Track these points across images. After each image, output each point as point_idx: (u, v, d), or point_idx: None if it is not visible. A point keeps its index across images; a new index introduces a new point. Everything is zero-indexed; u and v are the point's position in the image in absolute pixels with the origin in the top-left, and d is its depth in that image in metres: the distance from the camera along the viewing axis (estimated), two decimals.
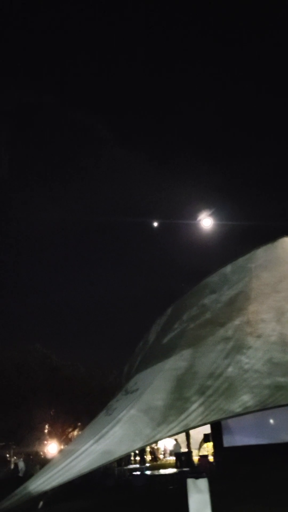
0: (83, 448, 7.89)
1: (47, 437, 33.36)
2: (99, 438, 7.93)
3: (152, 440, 7.49)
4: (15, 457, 29.09)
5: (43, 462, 22.77)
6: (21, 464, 20.04)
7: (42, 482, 7.32)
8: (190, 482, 6.59)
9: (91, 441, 7.99)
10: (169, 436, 7.99)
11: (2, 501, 6.82)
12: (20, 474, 18.35)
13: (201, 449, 22.37)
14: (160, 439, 7.52)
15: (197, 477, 6.75)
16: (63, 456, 8.30)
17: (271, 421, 17.79)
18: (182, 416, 7.54)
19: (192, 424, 7.28)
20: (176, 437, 19.66)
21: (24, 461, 21.69)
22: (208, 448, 21.72)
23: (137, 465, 19.42)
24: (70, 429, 33.57)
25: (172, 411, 7.74)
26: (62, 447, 30.92)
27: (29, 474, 17.09)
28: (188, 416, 7.49)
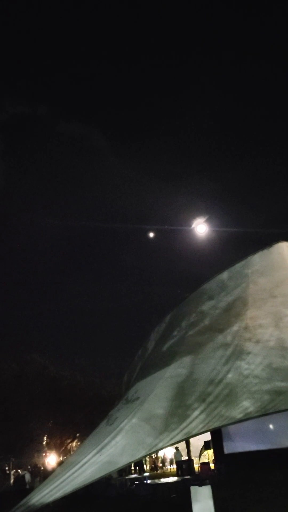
0: (85, 459, 7.86)
1: (46, 449, 33.02)
2: (101, 449, 7.90)
3: (154, 449, 7.47)
4: (14, 471, 28.75)
5: (42, 475, 22.57)
6: (27, 477, 19.88)
7: (46, 494, 7.27)
8: (193, 489, 6.59)
9: (93, 452, 7.96)
10: (171, 445, 7.98)
11: None
12: (28, 487, 18.18)
13: (202, 457, 22.24)
14: (163, 447, 7.50)
15: (200, 485, 6.75)
16: (65, 468, 8.26)
17: (271, 426, 17.78)
18: (184, 424, 7.54)
19: (194, 432, 7.28)
20: (176, 445, 19.55)
21: (29, 473, 21.59)
22: (209, 456, 21.61)
23: (137, 475, 19.24)
24: (69, 440, 33.24)
25: (174, 419, 7.74)
26: (61, 458, 30.59)
27: (31, 486, 16.93)
28: (189, 423, 7.49)
